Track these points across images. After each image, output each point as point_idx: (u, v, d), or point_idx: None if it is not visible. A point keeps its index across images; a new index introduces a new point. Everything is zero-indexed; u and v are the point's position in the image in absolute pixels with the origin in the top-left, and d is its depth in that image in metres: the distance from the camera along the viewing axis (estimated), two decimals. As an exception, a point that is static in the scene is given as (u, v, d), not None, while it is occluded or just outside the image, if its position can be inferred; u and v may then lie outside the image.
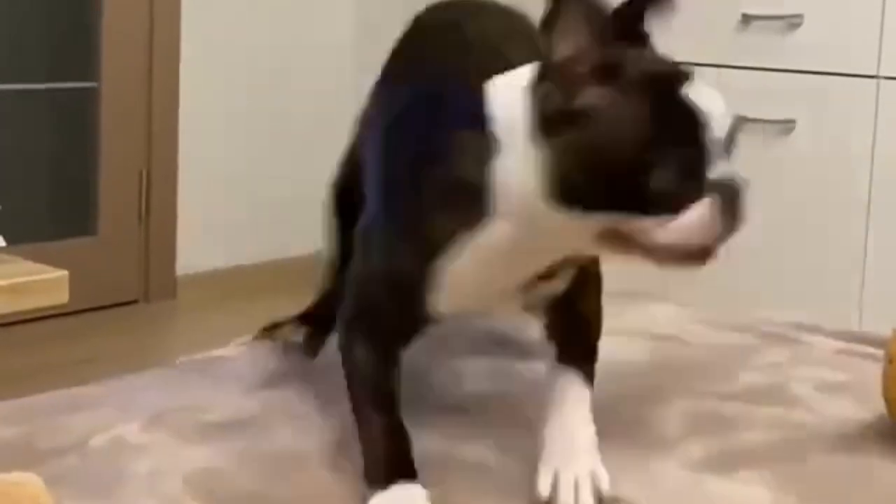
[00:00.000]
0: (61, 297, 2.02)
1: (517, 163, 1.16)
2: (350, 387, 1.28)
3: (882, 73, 2.87)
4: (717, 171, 1.16)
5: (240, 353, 1.64)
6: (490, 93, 1.19)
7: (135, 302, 3.62)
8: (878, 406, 1.43)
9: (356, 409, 1.26)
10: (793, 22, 2.96)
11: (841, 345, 1.78)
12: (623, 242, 1.17)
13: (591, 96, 1.14)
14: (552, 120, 1.15)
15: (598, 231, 1.16)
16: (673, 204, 1.15)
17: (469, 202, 1.19)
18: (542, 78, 1.16)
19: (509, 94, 1.18)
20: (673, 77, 1.18)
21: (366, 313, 1.29)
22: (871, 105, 2.87)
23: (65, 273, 1.99)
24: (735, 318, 1.87)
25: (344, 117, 4.50)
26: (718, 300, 1.91)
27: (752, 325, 1.84)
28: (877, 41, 2.88)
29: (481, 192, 1.18)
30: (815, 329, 1.84)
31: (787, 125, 2.95)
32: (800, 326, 1.84)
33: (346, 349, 1.30)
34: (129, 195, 3.64)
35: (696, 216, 1.16)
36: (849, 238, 2.87)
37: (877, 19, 2.86)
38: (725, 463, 1.32)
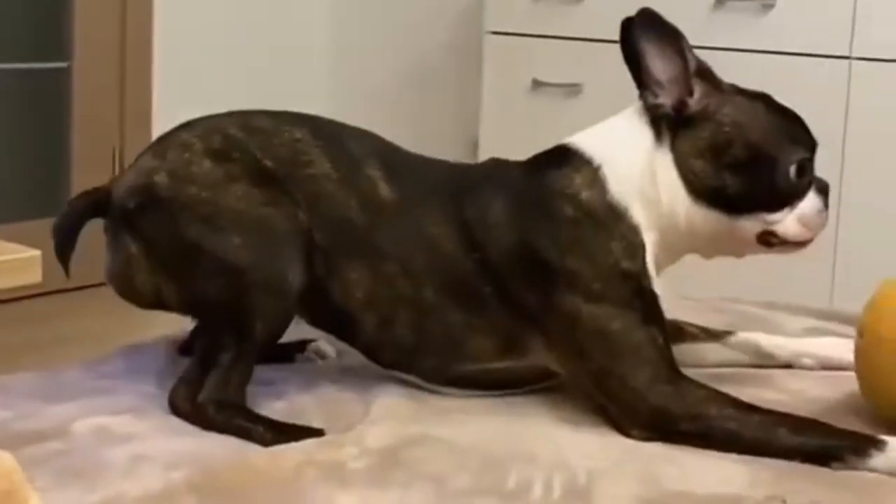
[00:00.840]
0: (34, 276, 2.01)
1: (652, 180, 1.38)
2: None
3: (854, 55, 2.89)
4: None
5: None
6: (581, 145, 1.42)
7: (104, 284, 3.60)
8: (850, 383, 1.45)
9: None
10: (766, 3, 2.96)
11: (812, 322, 1.79)
12: (771, 238, 1.41)
13: (703, 100, 1.39)
14: (672, 123, 1.38)
15: (756, 233, 1.40)
16: (792, 197, 1.39)
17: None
18: (648, 100, 1.39)
19: (605, 137, 1.42)
20: (756, 92, 1.44)
21: None
22: (843, 86, 2.89)
23: (37, 253, 1.97)
24: (707, 298, 1.88)
25: (318, 94, 4.50)
26: (693, 281, 1.92)
27: (724, 304, 1.85)
28: (849, 22, 2.89)
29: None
30: (786, 308, 1.85)
31: (760, 106, 2.97)
32: (772, 305, 1.86)
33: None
34: (103, 175, 3.61)
35: (812, 206, 1.41)
36: (820, 218, 2.90)
37: (849, 1, 2.87)
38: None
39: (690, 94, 1.39)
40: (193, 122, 1.46)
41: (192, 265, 1.35)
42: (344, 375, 1.49)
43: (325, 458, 1.24)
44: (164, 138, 1.45)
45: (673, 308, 1.77)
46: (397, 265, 1.39)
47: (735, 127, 1.38)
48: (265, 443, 1.29)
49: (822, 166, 3.21)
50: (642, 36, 1.39)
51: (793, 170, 1.39)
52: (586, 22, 3.14)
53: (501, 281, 1.38)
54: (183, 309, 1.40)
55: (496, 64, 3.34)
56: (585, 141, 1.43)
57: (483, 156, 3.47)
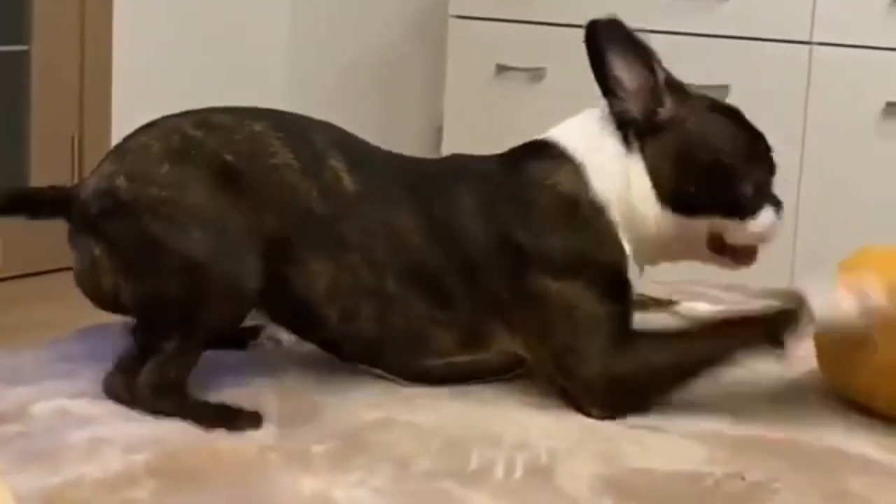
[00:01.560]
0: (-6, 261, 2.00)
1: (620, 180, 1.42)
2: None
3: (815, 39, 2.91)
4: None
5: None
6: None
7: (68, 269, 3.58)
8: (808, 363, 1.46)
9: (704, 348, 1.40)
10: (727, -12, 2.98)
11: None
12: (720, 244, 1.47)
13: (673, 110, 1.44)
14: (640, 129, 1.43)
15: (706, 233, 1.45)
16: (750, 209, 1.45)
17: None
18: (614, 106, 1.43)
19: (581, 136, 1.45)
20: (724, 104, 1.50)
21: None
22: (804, 70, 2.91)
23: (-4, 238, 1.97)
24: (672, 281, 1.89)
25: (277, 78, 4.46)
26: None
27: (682, 286, 1.86)
28: (810, 7, 2.91)
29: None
30: (743, 289, 1.87)
31: (721, 90, 2.98)
32: (729, 287, 1.88)
33: None
34: (61, 160, 3.59)
35: (769, 220, 1.48)
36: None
37: (810, -14, 2.90)
38: (660, 420, 1.35)
39: (661, 105, 1.44)
40: (152, 125, 1.46)
41: (152, 263, 1.35)
42: (299, 362, 1.49)
43: (288, 442, 1.24)
44: (123, 143, 1.45)
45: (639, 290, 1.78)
46: (360, 256, 1.39)
47: (701, 137, 1.44)
48: (205, 426, 1.29)
49: (784, 150, 3.23)
50: (609, 45, 1.42)
51: (750, 188, 1.46)
52: (550, 6, 3.15)
53: (469, 273, 1.40)
54: (137, 308, 1.38)
55: (460, 48, 3.34)
56: (564, 137, 1.46)
57: (448, 139, 3.48)
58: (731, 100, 2.93)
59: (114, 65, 3.65)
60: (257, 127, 1.42)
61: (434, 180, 1.44)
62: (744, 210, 1.45)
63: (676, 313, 1.57)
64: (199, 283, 1.34)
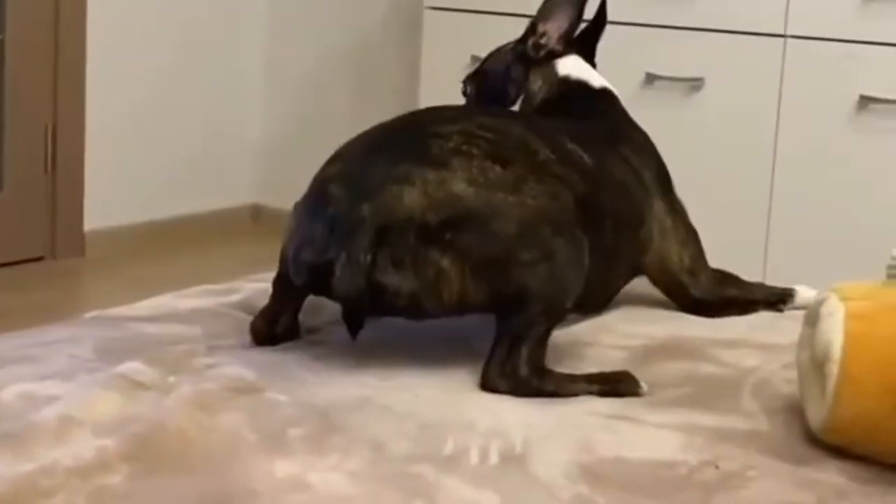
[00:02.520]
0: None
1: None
2: None
3: (789, 33, 2.92)
4: None
5: (145, 309, 1.64)
6: None
7: (41, 258, 3.56)
8: (785, 355, 1.47)
9: None
10: (702, -19, 2.99)
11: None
12: None
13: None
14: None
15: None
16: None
17: None
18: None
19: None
20: None
21: None
22: (778, 63, 2.92)
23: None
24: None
25: (255, 67, 4.44)
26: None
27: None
28: (784, 1, 2.92)
29: None
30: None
31: (696, 83, 2.99)
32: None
33: None
34: (35, 149, 3.57)
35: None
36: (755, 193, 2.93)
37: (784, -20, 2.91)
38: (635, 410, 1.35)
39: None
40: (433, 131, 1.46)
41: (513, 263, 1.39)
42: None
43: (263, 424, 1.24)
44: (419, 148, 1.43)
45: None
46: (611, 219, 1.57)
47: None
48: (595, 393, 1.39)
49: (757, 142, 3.24)
50: None
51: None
52: (525, -2, 3.15)
53: (648, 196, 1.69)
54: (490, 305, 1.41)
55: (435, 39, 3.34)
56: (599, 80, 1.80)
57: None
58: (707, 92, 2.98)
59: (88, 54, 3.63)
60: (517, 129, 1.52)
61: (608, 135, 1.69)
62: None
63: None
64: (558, 271, 1.40)
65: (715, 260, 1.78)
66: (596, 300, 1.65)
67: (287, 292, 1.51)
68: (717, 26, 2.98)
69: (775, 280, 1.97)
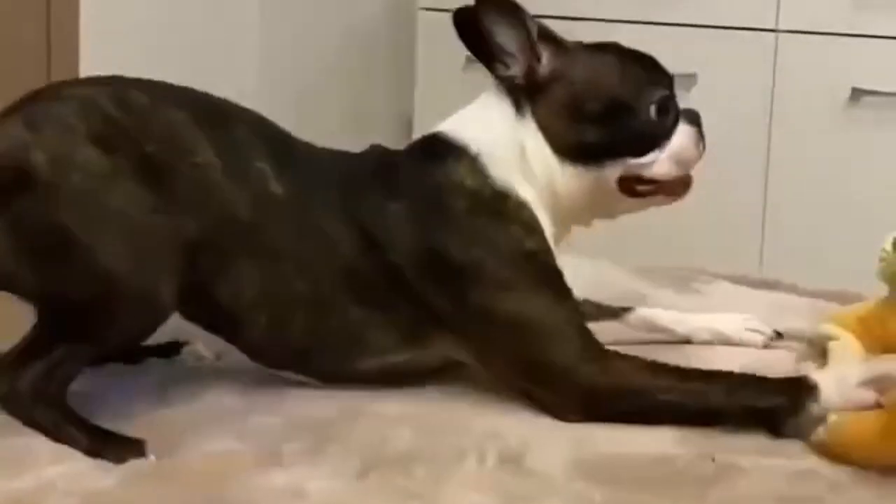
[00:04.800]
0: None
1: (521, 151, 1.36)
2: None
3: (781, 27, 2.93)
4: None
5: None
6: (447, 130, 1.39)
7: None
8: (782, 353, 1.48)
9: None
10: (693, -23, 3.00)
11: (743, 290, 1.83)
12: (636, 186, 1.39)
13: (551, 63, 1.37)
14: (527, 92, 1.36)
15: (616, 179, 1.38)
16: (659, 137, 1.38)
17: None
18: (499, 73, 1.37)
19: (473, 121, 1.40)
20: (603, 43, 1.41)
21: None
22: (770, 58, 2.93)
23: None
24: (641, 265, 1.91)
25: (249, 69, 4.43)
26: (626, 251, 1.95)
27: (655, 271, 1.88)
28: (775, -5, 2.93)
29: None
30: (716, 275, 1.89)
31: (688, 79, 3.00)
32: (701, 271, 1.90)
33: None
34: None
35: (683, 141, 1.40)
36: (748, 188, 2.94)
37: (775, -26, 2.91)
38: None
39: (538, 59, 1.37)
40: (65, 92, 1.33)
41: (60, 260, 1.23)
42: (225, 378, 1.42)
43: (257, 440, 1.24)
44: (34, 107, 1.30)
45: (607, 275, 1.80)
46: (291, 264, 1.32)
47: (586, 81, 1.37)
48: (81, 449, 1.21)
49: (749, 139, 3.24)
50: (485, 15, 1.36)
51: (652, 110, 1.38)
52: (517, -2, 3.15)
53: (405, 281, 1.33)
54: (35, 300, 1.27)
55: (429, 41, 3.34)
56: (456, 129, 1.40)
57: (418, 132, 3.46)
58: (699, 89, 2.98)
59: (80, 47, 3.63)
60: (178, 115, 1.32)
61: (358, 183, 1.36)
62: (654, 138, 1.38)
63: (627, 323, 1.52)
64: (108, 294, 1.23)
65: (710, 256, 1.78)
66: (324, 363, 1.37)
67: None
68: (709, 22, 2.99)
69: (771, 273, 1.98)
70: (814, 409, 1.24)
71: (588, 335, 1.33)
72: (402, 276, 1.33)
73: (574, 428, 1.28)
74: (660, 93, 1.39)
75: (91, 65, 3.63)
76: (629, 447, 1.24)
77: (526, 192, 1.37)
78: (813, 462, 1.22)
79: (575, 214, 1.42)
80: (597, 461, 1.21)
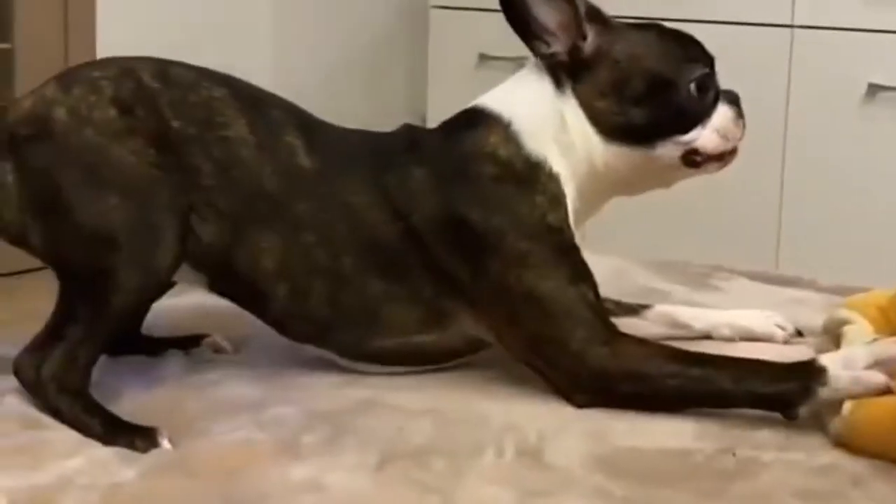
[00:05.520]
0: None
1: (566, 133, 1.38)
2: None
3: (796, 23, 2.92)
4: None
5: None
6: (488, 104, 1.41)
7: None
8: (803, 348, 1.47)
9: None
10: (708, -27, 2.99)
11: (761, 286, 1.82)
12: (695, 157, 1.42)
13: (596, 41, 1.39)
14: (570, 69, 1.39)
15: (680, 156, 1.41)
16: (700, 113, 1.41)
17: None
18: (539, 51, 1.39)
19: (509, 94, 1.42)
20: (645, 23, 1.45)
21: None
22: (786, 54, 2.92)
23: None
24: (660, 262, 1.91)
25: (263, 69, 4.44)
26: (642, 247, 1.94)
27: (673, 268, 1.88)
28: (790, -9, 2.92)
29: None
30: (733, 271, 1.88)
31: (704, 76, 2.99)
32: (718, 268, 1.89)
33: None
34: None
35: (728, 116, 1.45)
36: (765, 184, 2.93)
37: (790, -30, 2.91)
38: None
39: (584, 38, 1.39)
40: (109, 61, 1.38)
41: (62, 215, 1.26)
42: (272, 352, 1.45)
43: (276, 431, 1.24)
44: (74, 71, 1.37)
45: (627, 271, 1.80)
46: (315, 235, 1.35)
47: (629, 60, 1.39)
48: (99, 439, 1.23)
49: (765, 135, 3.23)
50: None
51: (693, 87, 1.40)
52: (531, -5, 3.15)
53: (426, 249, 1.35)
54: (45, 258, 1.30)
55: (442, 38, 3.34)
56: (492, 100, 1.43)
57: (431, 131, 3.48)
58: (714, 84, 2.97)
59: (98, 34, 3.64)
60: (216, 92, 1.37)
61: (386, 154, 1.40)
62: (696, 114, 1.41)
63: (647, 319, 1.52)
64: (107, 255, 1.26)
65: (727, 252, 1.78)
66: (344, 340, 1.39)
67: None
68: (725, 18, 2.98)
69: (788, 269, 1.98)
70: (823, 392, 1.24)
71: (601, 316, 1.34)
72: (424, 245, 1.35)
73: (593, 421, 1.28)
74: (699, 70, 1.41)
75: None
76: (647, 441, 1.24)
77: (559, 165, 1.38)
78: (834, 456, 1.21)
79: (617, 189, 1.45)
80: (616, 455, 1.21)
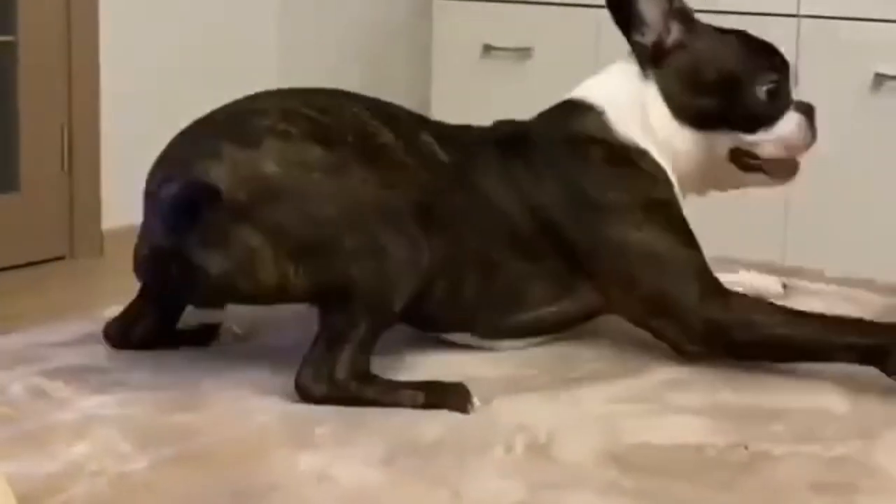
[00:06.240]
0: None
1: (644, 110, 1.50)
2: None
3: (802, 12, 2.91)
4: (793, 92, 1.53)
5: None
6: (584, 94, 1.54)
7: (61, 258, 3.57)
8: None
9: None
10: (714, -37, 2.98)
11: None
12: (744, 158, 1.52)
13: (679, 35, 1.51)
14: (653, 59, 1.51)
15: (729, 149, 1.51)
16: (767, 117, 1.50)
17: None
18: (636, 39, 1.51)
19: (602, 84, 1.55)
20: (732, 29, 1.56)
21: None
22: (792, 44, 2.91)
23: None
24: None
25: (268, 64, 4.44)
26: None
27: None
28: (796, -20, 2.91)
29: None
30: (740, 263, 1.87)
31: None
32: (725, 260, 1.88)
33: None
34: (51, 149, 3.58)
35: (793, 126, 1.53)
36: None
37: (795, -41, 2.90)
38: (656, 394, 1.35)
39: (668, 31, 1.51)
40: (255, 107, 1.41)
41: (335, 249, 1.30)
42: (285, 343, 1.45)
43: (289, 422, 1.24)
44: (235, 124, 1.37)
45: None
46: (465, 226, 1.43)
47: (706, 53, 1.52)
48: (419, 405, 1.30)
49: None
50: None
51: (762, 91, 1.51)
52: (536, -15, 3.14)
53: (552, 227, 1.46)
54: (313, 295, 1.33)
55: (446, 29, 3.33)
56: (584, 92, 1.56)
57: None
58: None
59: (101, 53, 3.63)
60: (354, 108, 1.44)
61: (506, 145, 1.50)
62: (762, 117, 1.51)
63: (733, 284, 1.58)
64: (386, 265, 1.32)
65: (733, 244, 1.78)
66: (488, 321, 1.47)
67: (141, 294, 1.46)
68: (730, 7, 2.97)
69: (795, 261, 1.97)
70: None
71: (711, 275, 1.44)
72: (549, 223, 1.46)
73: (603, 419, 1.28)
74: (773, 77, 1.52)
75: (110, 55, 3.63)
76: (658, 438, 1.24)
77: (648, 146, 1.51)
78: (847, 448, 1.21)
79: (691, 178, 1.54)
80: (627, 451, 1.21)
